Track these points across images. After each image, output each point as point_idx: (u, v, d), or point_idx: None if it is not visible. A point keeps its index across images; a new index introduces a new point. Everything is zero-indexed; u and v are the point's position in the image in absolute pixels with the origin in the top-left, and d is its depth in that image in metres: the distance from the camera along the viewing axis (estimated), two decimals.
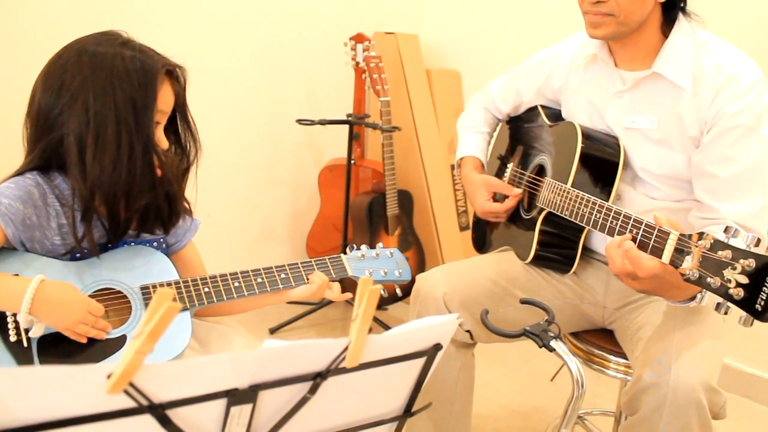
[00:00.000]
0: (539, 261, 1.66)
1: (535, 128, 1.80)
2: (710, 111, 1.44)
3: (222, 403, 0.72)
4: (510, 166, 1.85)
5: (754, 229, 1.40)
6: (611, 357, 1.62)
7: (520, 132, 1.88)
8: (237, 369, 0.71)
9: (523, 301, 1.29)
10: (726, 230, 1.11)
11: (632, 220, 1.29)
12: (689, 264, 1.14)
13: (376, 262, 1.44)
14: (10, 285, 1.13)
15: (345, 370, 0.77)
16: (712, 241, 1.11)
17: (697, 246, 1.13)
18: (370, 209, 2.83)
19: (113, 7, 2.39)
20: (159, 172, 1.24)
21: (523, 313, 1.57)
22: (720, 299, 1.11)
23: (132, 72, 1.18)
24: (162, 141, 1.25)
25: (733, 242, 1.09)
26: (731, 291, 1.07)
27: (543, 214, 1.60)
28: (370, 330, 0.75)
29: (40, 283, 1.12)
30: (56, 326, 1.14)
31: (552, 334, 1.15)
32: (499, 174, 1.89)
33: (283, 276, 1.34)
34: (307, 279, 1.35)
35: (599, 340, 1.67)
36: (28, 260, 1.20)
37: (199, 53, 2.66)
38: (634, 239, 1.27)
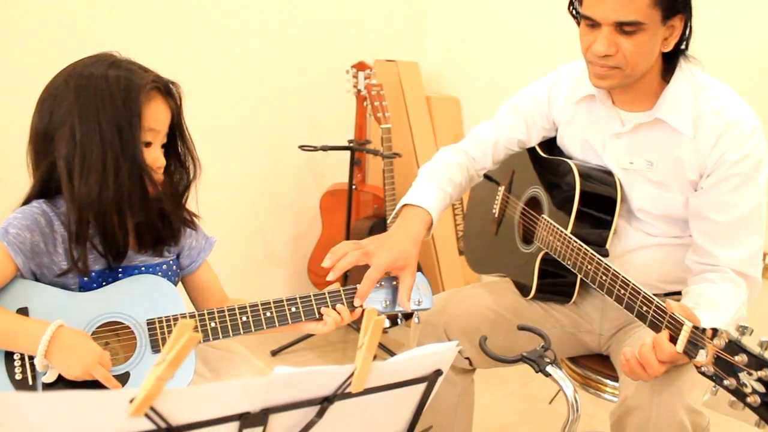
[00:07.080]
0: (540, 294, 1.68)
1: (529, 154, 1.80)
2: (711, 157, 1.46)
3: (235, 425, 0.76)
4: (501, 189, 1.88)
5: (750, 273, 1.45)
6: (607, 381, 1.66)
7: (512, 156, 1.84)
8: (249, 393, 0.75)
9: (521, 328, 1.34)
10: (737, 329, 1.12)
11: (641, 295, 1.31)
12: (703, 359, 1.14)
13: (395, 292, 1.38)
14: (27, 328, 1.15)
15: (351, 395, 0.81)
16: (726, 341, 1.11)
17: (711, 343, 1.14)
18: (370, 234, 2.86)
19: (114, 33, 2.44)
20: (152, 190, 1.23)
21: (521, 339, 1.61)
22: (734, 399, 1.11)
23: (116, 92, 1.19)
24: (156, 159, 1.25)
25: (746, 341, 1.09)
26: (749, 399, 1.07)
27: (542, 254, 1.62)
28: (375, 356, 0.80)
29: (58, 328, 1.14)
30: (66, 372, 1.15)
31: (548, 360, 1.19)
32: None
33: (293, 310, 1.29)
34: (319, 313, 1.31)
35: (596, 364, 1.71)
36: (35, 290, 1.21)
37: (204, 80, 2.72)
38: (644, 316, 1.30)
